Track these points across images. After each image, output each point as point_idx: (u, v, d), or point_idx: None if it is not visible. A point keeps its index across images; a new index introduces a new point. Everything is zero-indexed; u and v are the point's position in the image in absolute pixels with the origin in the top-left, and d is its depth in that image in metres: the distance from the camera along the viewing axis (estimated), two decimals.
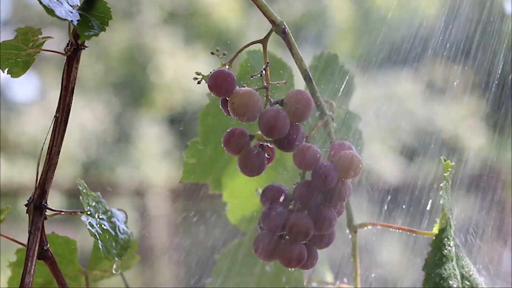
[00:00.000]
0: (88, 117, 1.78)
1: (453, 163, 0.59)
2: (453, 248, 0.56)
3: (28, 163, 1.89)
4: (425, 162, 1.54)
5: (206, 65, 1.84)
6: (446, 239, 0.57)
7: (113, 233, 0.63)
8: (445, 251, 0.56)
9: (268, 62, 0.60)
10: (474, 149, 1.62)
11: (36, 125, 1.91)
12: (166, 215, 1.72)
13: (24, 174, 1.84)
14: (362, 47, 1.58)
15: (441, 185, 0.58)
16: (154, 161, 1.91)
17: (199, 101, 1.87)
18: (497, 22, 1.45)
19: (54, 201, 1.78)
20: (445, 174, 0.59)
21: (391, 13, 1.68)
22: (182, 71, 1.95)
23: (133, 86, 1.82)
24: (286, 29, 0.60)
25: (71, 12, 0.57)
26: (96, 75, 1.87)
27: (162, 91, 1.91)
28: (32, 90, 2.06)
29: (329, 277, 0.82)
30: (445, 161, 0.60)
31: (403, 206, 1.11)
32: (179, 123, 1.84)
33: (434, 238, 0.56)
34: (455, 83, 1.61)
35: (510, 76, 1.34)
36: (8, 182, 1.78)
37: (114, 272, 0.70)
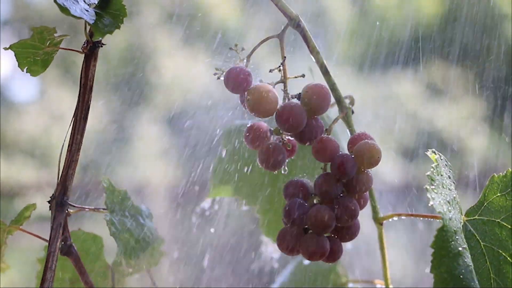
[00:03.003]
0: None
1: (437, 156, 0.58)
2: (460, 240, 0.55)
3: (26, 162, 1.89)
4: (425, 162, 1.54)
5: (206, 65, 1.84)
6: (449, 234, 0.56)
7: (135, 231, 0.63)
8: (450, 247, 0.55)
9: (285, 57, 0.61)
10: (475, 149, 1.62)
11: (35, 124, 1.91)
12: (165, 214, 1.71)
13: (22, 173, 1.84)
14: (362, 47, 1.58)
15: (426, 186, 0.57)
16: (153, 160, 1.90)
17: (198, 101, 1.87)
18: (497, 22, 1.45)
19: None
20: (428, 174, 0.58)
21: (390, 13, 1.68)
22: (181, 71, 1.95)
23: (132, 86, 1.82)
24: (301, 23, 0.61)
25: (87, 11, 0.58)
26: (95, 75, 1.86)
27: (161, 91, 1.91)
28: (31, 89, 2.05)
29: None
30: (434, 153, 0.59)
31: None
32: (178, 123, 1.84)
33: (434, 239, 0.56)
34: (455, 84, 1.61)
35: (510, 76, 1.33)
36: (5, 181, 1.78)
37: (138, 267, 0.70)
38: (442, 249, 0.55)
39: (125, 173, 1.86)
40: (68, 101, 1.88)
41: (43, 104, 2.00)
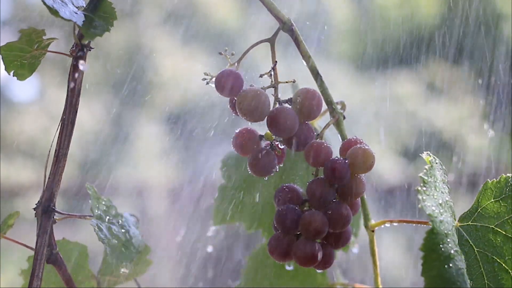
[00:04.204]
0: (86, 116, 1.78)
1: (432, 158, 0.58)
2: (452, 243, 0.55)
3: (25, 162, 1.89)
4: (425, 162, 1.53)
5: (205, 65, 1.84)
6: (439, 237, 0.55)
7: (123, 238, 0.62)
8: (441, 250, 0.54)
9: (276, 61, 0.60)
10: (474, 149, 1.61)
11: (34, 125, 1.91)
12: (164, 214, 1.71)
13: (21, 173, 1.84)
14: (362, 47, 1.57)
15: (417, 188, 0.56)
16: (152, 160, 1.90)
17: (197, 102, 1.87)
18: (497, 22, 1.44)
19: None
20: (421, 175, 0.57)
21: (391, 13, 1.67)
22: (180, 71, 1.95)
23: (131, 86, 1.82)
24: (293, 27, 0.60)
25: (76, 13, 0.57)
26: (94, 75, 1.86)
27: (161, 91, 1.91)
28: (30, 90, 2.05)
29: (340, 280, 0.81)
30: (429, 156, 0.58)
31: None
32: (177, 123, 1.84)
33: (423, 242, 0.55)
34: (455, 83, 1.60)
35: (510, 76, 1.33)
36: (5, 181, 1.77)
37: (125, 276, 0.69)
38: (433, 252, 0.54)
39: (124, 173, 1.86)
40: None
41: (42, 104, 2.00)
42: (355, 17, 1.73)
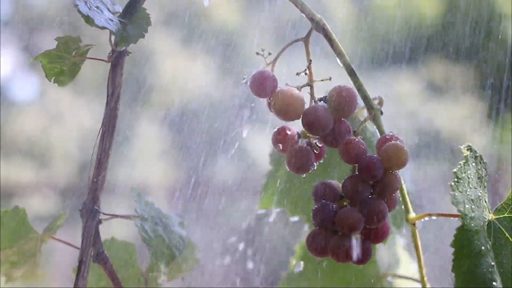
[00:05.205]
0: (86, 116, 1.78)
1: (470, 153, 0.58)
2: (483, 240, 0.55)
3: (25, 162, 1.89)
4: (424, 162, 1.54)
5: (205, 66, 1.84)
6: (470, 234, 0.55)
7: (166, 238, 0.64)
8: (472, 247, 0.54)
9: (311, 60, 0.61)
10: (475, 148, 1.61)
11: (34, 125, 1.91)
12: None
13: (21, 173, 1.84)
14: (361, 46, 1.57)
15: (450, 183, 0.57)
16: (151, 160, 1.90)
17: (197, 102, 1.87)
18: (497, 22, 1.44)
19: (50, 201, 1.77)
20: (455, 170, 0.57)
21: (390, 12, 1.67)
22: (180, 72, 1.95)
23: (131, 86, 1.82)
24: (325, 26, 0.61)
25: (111, 20, 0.58)
26: (95, 75, 1.86)
27: (161, 91, 1.91)
28: (31, 89, 2.05)
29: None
30: (469, 149, 0.58)
31: None
32: (177, 123, 1.84)
33: (454, 238, 0.55)
34: (455, 83, 1.60)
35: (510, 75, 1.33)
36: (4, 181, 1.78)
37: (172, 274, 0.71)
38: (463, 248, 0.54)
39: (124, 173, 1.86)
40: (68, 102, 1.88)
41: (42, 104, 2.00)
42: (354, 16, 1.74)
